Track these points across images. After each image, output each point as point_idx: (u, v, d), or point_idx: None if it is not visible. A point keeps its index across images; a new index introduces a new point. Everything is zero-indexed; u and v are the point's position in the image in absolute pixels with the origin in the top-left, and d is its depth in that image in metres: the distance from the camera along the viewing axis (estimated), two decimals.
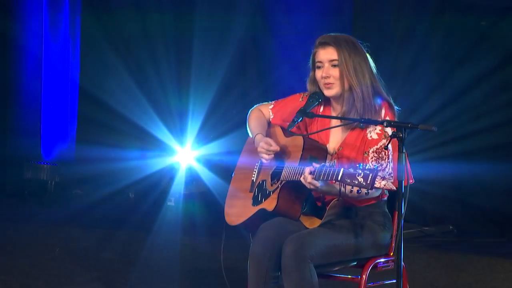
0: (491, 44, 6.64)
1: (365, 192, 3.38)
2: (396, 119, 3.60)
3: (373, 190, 3.52)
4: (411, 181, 3.47)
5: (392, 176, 3.55)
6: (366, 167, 3.32)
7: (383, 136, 3.60)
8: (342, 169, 3.33)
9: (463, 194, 6.75)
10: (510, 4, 6.60)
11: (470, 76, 6.67)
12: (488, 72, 6.62)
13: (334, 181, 3.43)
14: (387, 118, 3.60)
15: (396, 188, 3.55)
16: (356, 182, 3.28)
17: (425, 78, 6.80)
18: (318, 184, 3.45)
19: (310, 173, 3.44)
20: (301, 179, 3.48)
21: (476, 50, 6.65)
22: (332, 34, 3.71)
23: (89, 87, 8.01)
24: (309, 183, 3.45)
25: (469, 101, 6.69)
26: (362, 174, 3.28)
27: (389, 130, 3.56)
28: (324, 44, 3.67)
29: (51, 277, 5.16)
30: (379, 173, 3.47)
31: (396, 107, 3.67)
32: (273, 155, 3.72)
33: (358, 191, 3.34)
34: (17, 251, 5.86)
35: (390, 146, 3.56)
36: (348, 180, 3.31)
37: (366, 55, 3.69)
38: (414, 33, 6.81)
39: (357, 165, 3.34)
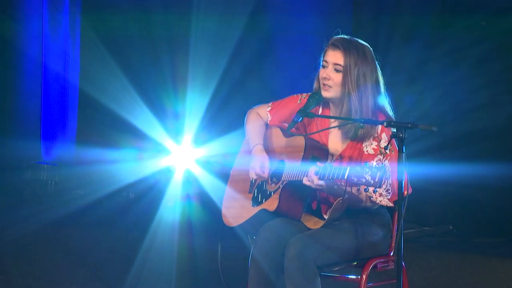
0: (493, 45, 6.63)
1: (373, 190, 3.38)
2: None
3: (378, 195, 3.53)
4: (410, 190, 3.46)
5: (389, 193, 3.55)
6: (374, 166, 3.32)
7: (378, 151, 3.59)
8: (348, 167, 3.32)
9: (463, 194, 6.75)
10: (510, 4, 6.60)
11: (470, 77, 6.67)
12: (489, 72, 6.62)
13: (340, 180, 3.42)
14: (383, 133, 3.60)
15: (392, 205, 3.56)
16: (364, 180, 3.27)
17: (425, 79, 6.80)
18: (323, 183, 3.44)
19: (315, 172, 3.44)
20: (305, 178, 3.47)
21: (478, 51, 6.65)
22: (347, 37, 3.67)
23: (89, 87, 8.01)
24: (313, 181, 3.44)
25: (470, 101, 6.69)
26: (369, 172, 3.26)
27: (388, 142, 3.56)
28: (335, 46, 3.65)
29: (51, 277, 5.16)
30: (378, 190, 3.49)
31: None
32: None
33: (365, 189, 3.34)
34: (17, 251, 5.86)
35: (387, 162, 3.55)
36: (355, 179, 3.29)
37: (375, 68, 3.64)
38: (414, 33, 6.80)
39: (364, 163, 3.34)
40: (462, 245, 6.45)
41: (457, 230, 6.75)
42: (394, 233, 3.69)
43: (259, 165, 3.72)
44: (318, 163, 3.49)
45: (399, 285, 3.34)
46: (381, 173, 3.25)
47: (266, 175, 3.71)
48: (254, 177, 3.75)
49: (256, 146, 3.80)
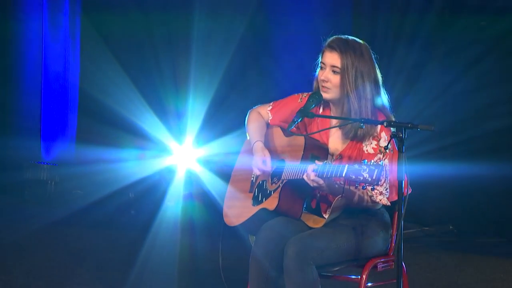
0: (493, 45, 6.63)
1: (371, 188, 3.37)
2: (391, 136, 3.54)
3: (378, 193, 3.53)
4: (409, 190, 3.46)
5: (388, 192, 3.56)
6: (372, 163, 3.31)
7: (378, 151, 3.59)
8: (346, 165, 3.33)
9: (463, 194, 6.75)
10: (510, 4, 6.60)
11: (470, 78, 6.67)
12: (489, 72, 6.62)
13: (338, 178, 3.42)
14: (383, 132, 3.60)
15: (390, 204, 3.57)
16: (361, 178, 3.27)
17: (425, 79, 6.80)
18: (322, 181, 3.45)
19: (313, 170, 3.44)
20: (304, 177, 3.48)
21: (478, 51, 6.65)
22: (343, 37, 3.65)
23: (89, 87, 8.01)
24: (312, 180, 3.45)
25: (469, 102, 6.69)
26: (367, 170, 3.27)
27: (388, 142, 3.56)
28: (331, 47, 3.63)
29: (51, 277, 5.16)
30: (377, 188, 3.49)
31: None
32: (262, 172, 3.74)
33: (363, 187, 3.34)
34: (17, 251, 5.86)
35: (387, 161, 3.56)
36: (353, 176, 3.30)
37: (373, 66, 3.63)
38: (414, 34, 6.80)
39: (362, 161, 3.34)
40: (462, 245, 6.46)
41: (457, 230, 6.75)
42: (394, 233, 3.69)
43: (261, 160, 3.72)
44: (316, 161, 3.49)
45: (399, 285, 3.34)
46: (378, 170, 3.26)
47: (269, 169, 3.71)
48: (258, 173, 3.74)
49: (256, 143, 3.81)
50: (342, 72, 3.61)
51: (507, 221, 6.61)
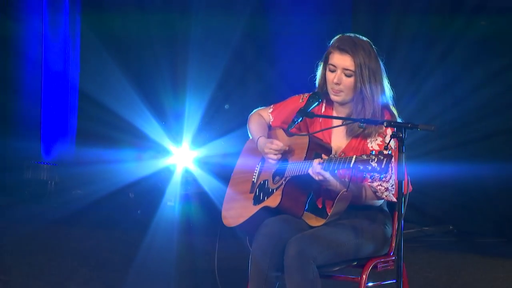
0: (493, 45, 6.63)
1: (379, 178, 3.38)
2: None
3: (383, 189, 3.53)
4: (410, 189, 3.45)
5: (394, 188, 3.55)
6: (380, 153, 3.31)
7: (384, 147, 3.57)
8: (354, 156, 3.32)
9: (463, 194, 6.75)
10: (510, 4, 6.60)
11: (470, 77, 6.66)
12: (489, 73, 6.61)
13: (345, 170, 3.41)
14: (389, 130, 3.59)
15: (396, 200, 3.56)
16: (370, 168, 3.25)
17: (425, 78, 6.79)
18: (327, 174, 3.44)
19: (319, 163, 3.43)
20: (310, 171, 3.47)
21: (478, 51, 6.65)
22: (351, 37, 3.63)
23: (89, 87, 8.01)
24: (318, 173, 3.44)
25: (470, 101, 6.68)
26: (375, 160, 3.25)
27: (389, 141, 3.55)
28: (342, 50, 3.60)
29: (51, 277, 5.16)
30: (383, 184, 3.49)
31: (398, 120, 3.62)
32: (280, 155, 3.72)
33: (371, 176, 3.33)
34: (17, 251, 5.86)
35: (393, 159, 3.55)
36: (361, 167, 3.28)
37: (379, 63, 3.64)
38: (414, 33, 6.80)
39: (370, 152, 3.33)
40: (462, 245, 6.45)
41: (457, 230, 6.75)
42: (394, 233, 3.68)
43: (270, 144, 3.71)
44: (323, 155, 3.49)
45: (399, 285, 3.35)
46: (387, 159, 3.24)
47: (280, 144, 3.69)
48: (274, 157, 3.71)
49: (260, 138, 3.80)
50: (356, 74, 3.59)
51: (507, 221, 6.60)
